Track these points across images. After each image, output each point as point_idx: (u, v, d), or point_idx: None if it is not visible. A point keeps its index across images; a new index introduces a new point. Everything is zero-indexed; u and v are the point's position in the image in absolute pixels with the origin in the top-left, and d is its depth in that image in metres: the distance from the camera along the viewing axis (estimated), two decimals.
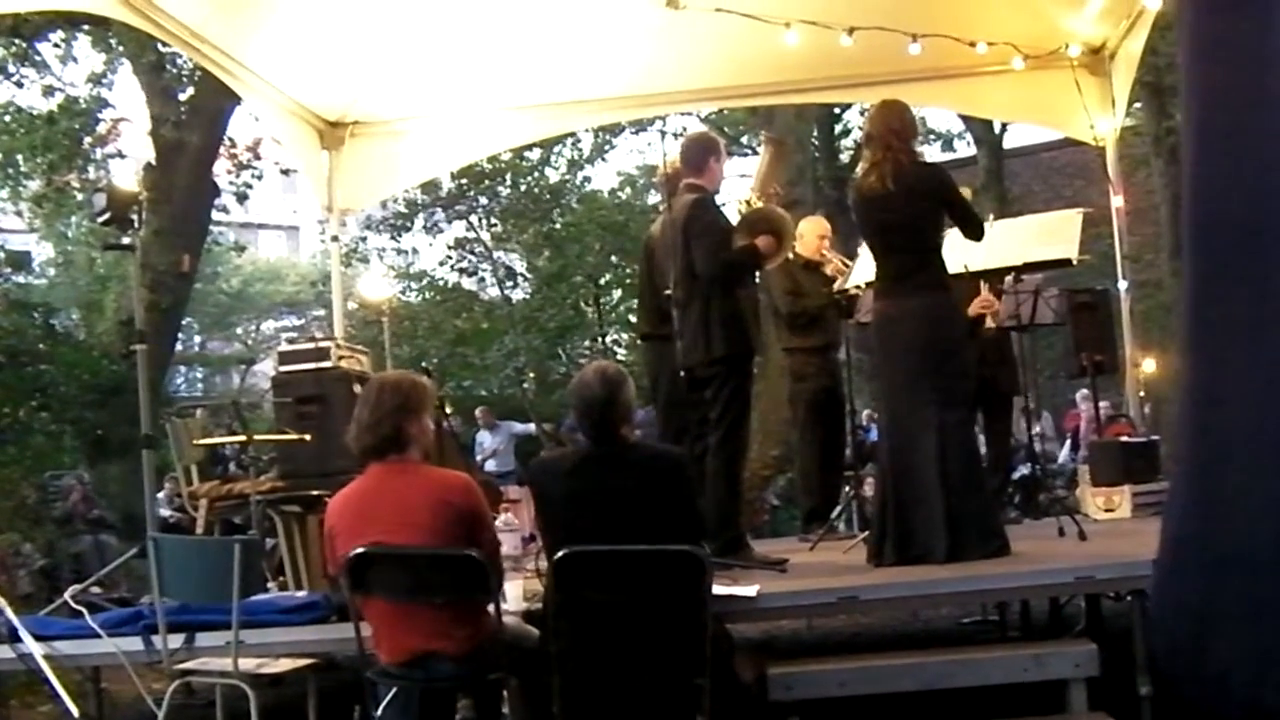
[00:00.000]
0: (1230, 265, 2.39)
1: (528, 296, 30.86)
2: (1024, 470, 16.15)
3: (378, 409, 5.54)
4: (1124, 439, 10.57)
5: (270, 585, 8.33)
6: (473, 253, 30.09)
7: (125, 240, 7.67)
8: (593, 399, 5.65)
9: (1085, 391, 16.63)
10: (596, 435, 5.68)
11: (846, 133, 29.38)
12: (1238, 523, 2.45)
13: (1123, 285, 11.45)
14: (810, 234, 10.08)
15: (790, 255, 9.18)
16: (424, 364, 19.29)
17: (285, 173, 23.70)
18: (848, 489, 10.48)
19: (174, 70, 19.49)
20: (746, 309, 7.92)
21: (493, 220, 29.57)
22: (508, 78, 11.21)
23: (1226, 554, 2.45)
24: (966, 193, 8.03)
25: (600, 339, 25.36)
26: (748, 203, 8.49)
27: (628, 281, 28.10)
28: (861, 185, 7.63)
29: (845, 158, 28.63)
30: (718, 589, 5.49)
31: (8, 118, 20.83)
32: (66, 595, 7.60)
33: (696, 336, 7.73)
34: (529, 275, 31.46)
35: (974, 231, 7.58)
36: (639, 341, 10.63)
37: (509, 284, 30.69)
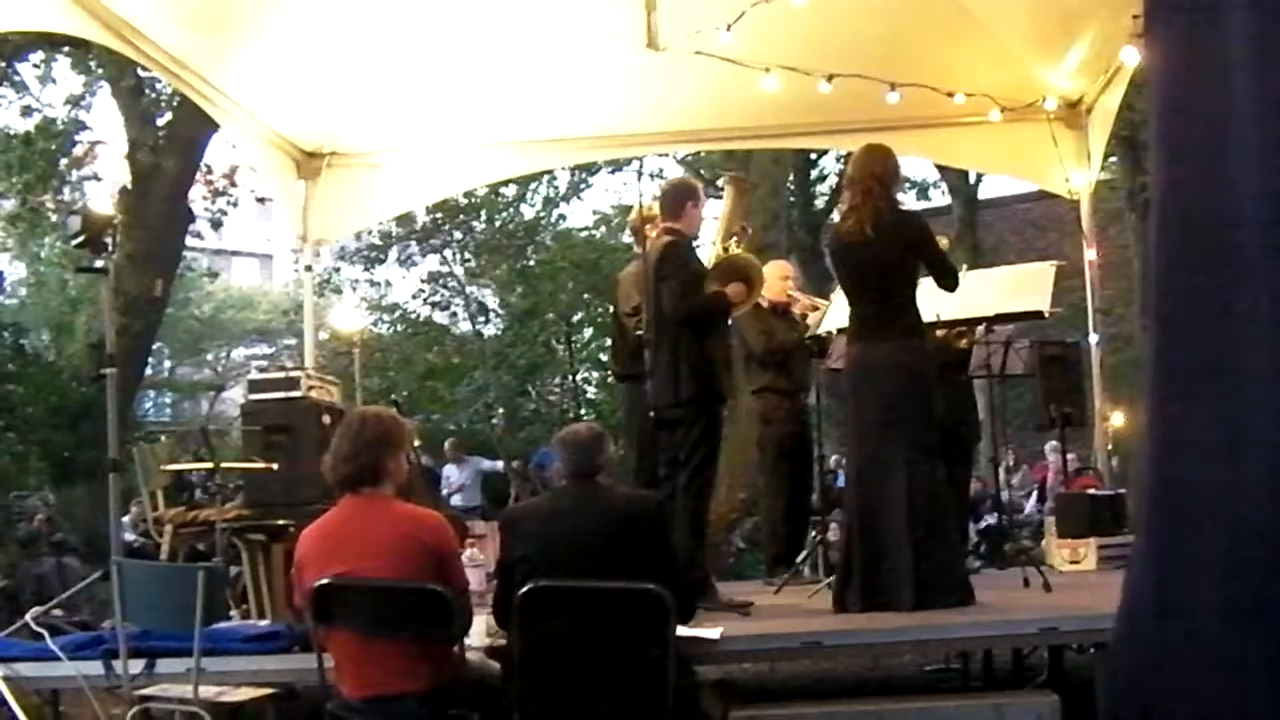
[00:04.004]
0: (1192, 310, 2.42)
1: (499, 332, 30.81)
2: (990, 520, 16.19)
3: (358, 440, 5.54)
4: (1091, 491, 10.60)
5: (233, 614, 8.31)
6: (446, 287, 30.04)
7: (98, 263, 7.64)
8: (579, 440, 5.86)
9: (1054, 443, 16.68)
10: (578, 467, 5.77)
11: (822, 178, 29.48)
12: (1189, 581, 2.45)
13: (1093, 338, 11.48)
14: (772, 277, 10.03)
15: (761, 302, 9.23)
16: (394, 397, 19.29)
17: (261, 201, 23.67)
18: (814, 534, 10.47)
19: (153, 95, 19.48)
20: (716, 354, 7.95)
21: (466, 255, 29.53)
22: (486, 114, 11.23)
23: (1176, 611, 2.46)
24: (944, 243, 8.07)
25: (571, 377, 25.39)
26: (725, 249, 8.51)
27: (599, 320, 28.12)
28: (840, 229, 7.66)
29: (820, 203, 28.72)
30: (681, 630, 5.49)
31: None
32: (28, 617, 7.55)
33: (665, 378, 7.74)
34: (501, 311, 31.43)
35: (948, 283, 7.61)
36: (617, 382, 10.61)
37: (481, 319, 30.63)
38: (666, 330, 7.76)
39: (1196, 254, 2.41)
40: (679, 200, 8.23)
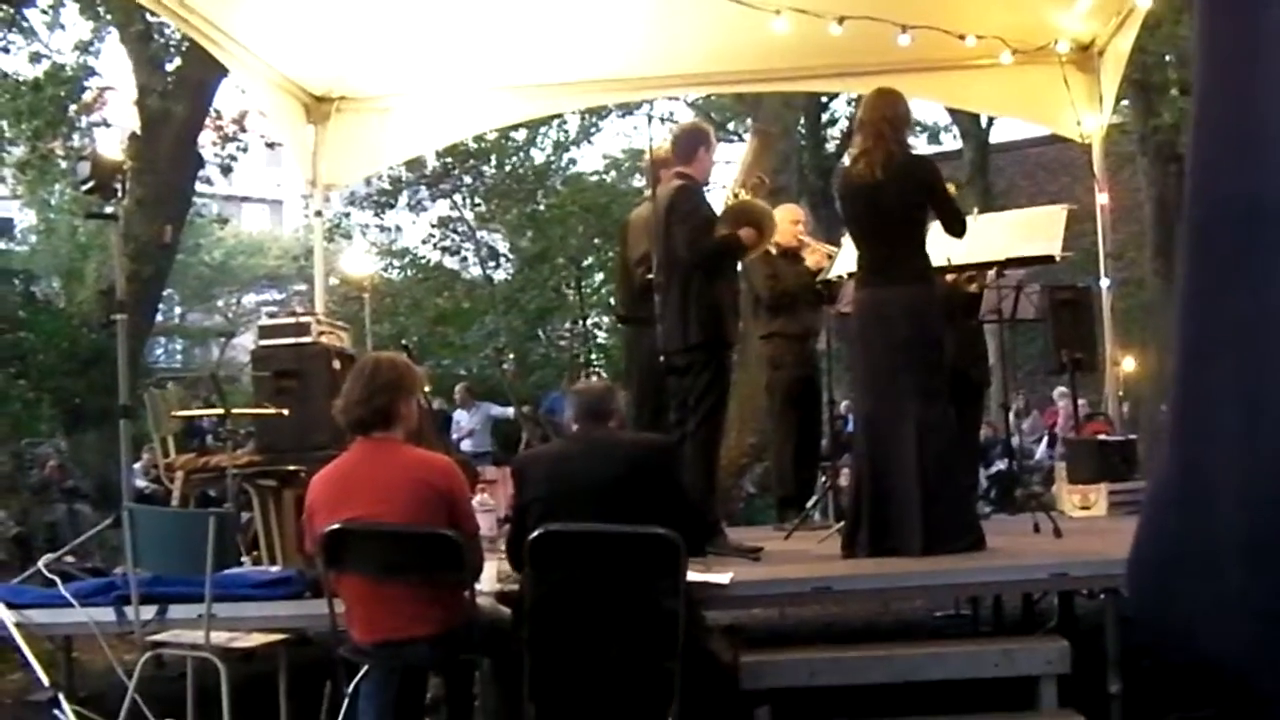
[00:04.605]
0: (1225, 248, 2.40)
1: (509, 277, 30.82)
2: (1001, 465, 16.20)
3: (371, 384, 5.56)
4: (1101, 437, 10.58)
5: (244, 559, 8.33)
6: (456, 232, 30.02)
7: (108, 209, 7.64)
8: (592, 390, 6.08)
9: (1064, 388, 16.67)
10: (589, 413, 5.83)
11: (833, 122, 29.38)
12: (1213, 470, 2.43)
13: (1105, 283, 11.43)
14: (783, 221, 9.98)
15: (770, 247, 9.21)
16: (404, 342, 19.29)
17: (270, 146, 23.63)
18: (824, 479, 10.46)
19: (161, 40, 19.41)
20: (725, 299, 7.93)
21: (477, 200, 29.49)
22: (496, 57, 11.17)
23: (1198, 497, 2.44)
24: (951, 188, 8.03)
25: (581, 321, 25.36)
26: (735, 195, 8.49)
27: (609, 264, 28.04)
28: (849, 172, 7.63)
29: (831, 146, 28.63)
30: (690, 575, 5.50)
31: None
32: (40, 564, 7.59)
33: (675, 323, 7.73)
34: (511, 256, 31.43)
35: (957, 228, 7.54)
36: (620, 324, 10.61)
37: (491, 264, 30.64)
38: (677, 274, 7.76)
39: (1231, 198, 2.38)
40: (691, 145, 8.20)
